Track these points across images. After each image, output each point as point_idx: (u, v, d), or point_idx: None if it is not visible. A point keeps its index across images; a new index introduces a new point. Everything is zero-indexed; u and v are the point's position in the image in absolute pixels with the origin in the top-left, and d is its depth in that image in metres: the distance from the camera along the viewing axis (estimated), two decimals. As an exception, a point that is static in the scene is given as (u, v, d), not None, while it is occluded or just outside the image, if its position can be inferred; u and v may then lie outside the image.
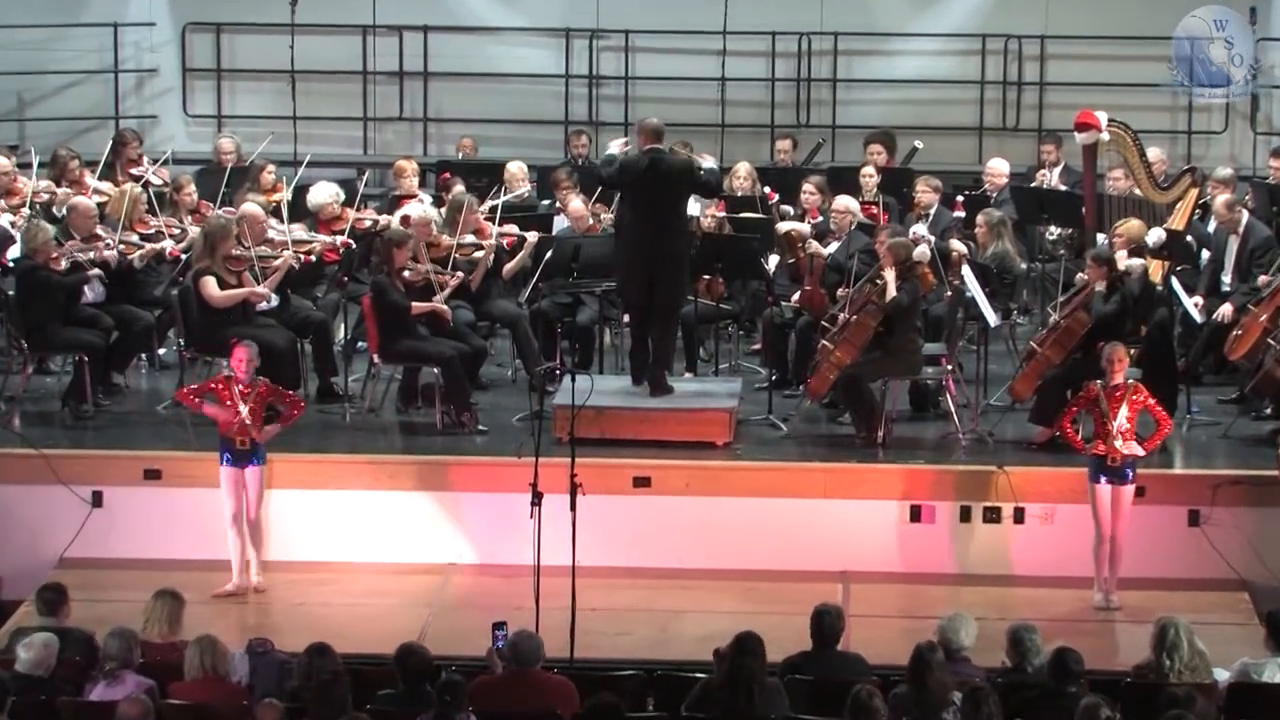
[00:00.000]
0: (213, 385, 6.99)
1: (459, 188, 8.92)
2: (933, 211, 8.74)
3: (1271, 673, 5.60)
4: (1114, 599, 6.80)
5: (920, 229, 8.34)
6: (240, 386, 6.86)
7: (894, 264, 7.45)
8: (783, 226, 8.53)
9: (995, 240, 8.33)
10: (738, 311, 8.66)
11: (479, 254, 8.18)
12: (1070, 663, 5.37)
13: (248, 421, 6.80)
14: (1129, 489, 6.76)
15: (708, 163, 7.80)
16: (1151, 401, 6.83)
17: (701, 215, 8.48)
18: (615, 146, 7.70)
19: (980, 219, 8.41)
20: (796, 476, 7.26)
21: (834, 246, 8.32)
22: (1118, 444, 6.68)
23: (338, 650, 5.45)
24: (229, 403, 6.83)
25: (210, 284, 7.64)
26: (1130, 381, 6.80)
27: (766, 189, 8.92)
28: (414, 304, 7.68)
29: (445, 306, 7.72)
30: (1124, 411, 6.70)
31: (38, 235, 7.75)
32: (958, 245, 8.26)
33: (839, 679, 5.43)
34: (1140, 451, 6.76)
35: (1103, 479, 6.73)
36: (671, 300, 7.59)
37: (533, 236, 8.37)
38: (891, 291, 7.37)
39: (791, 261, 8.41)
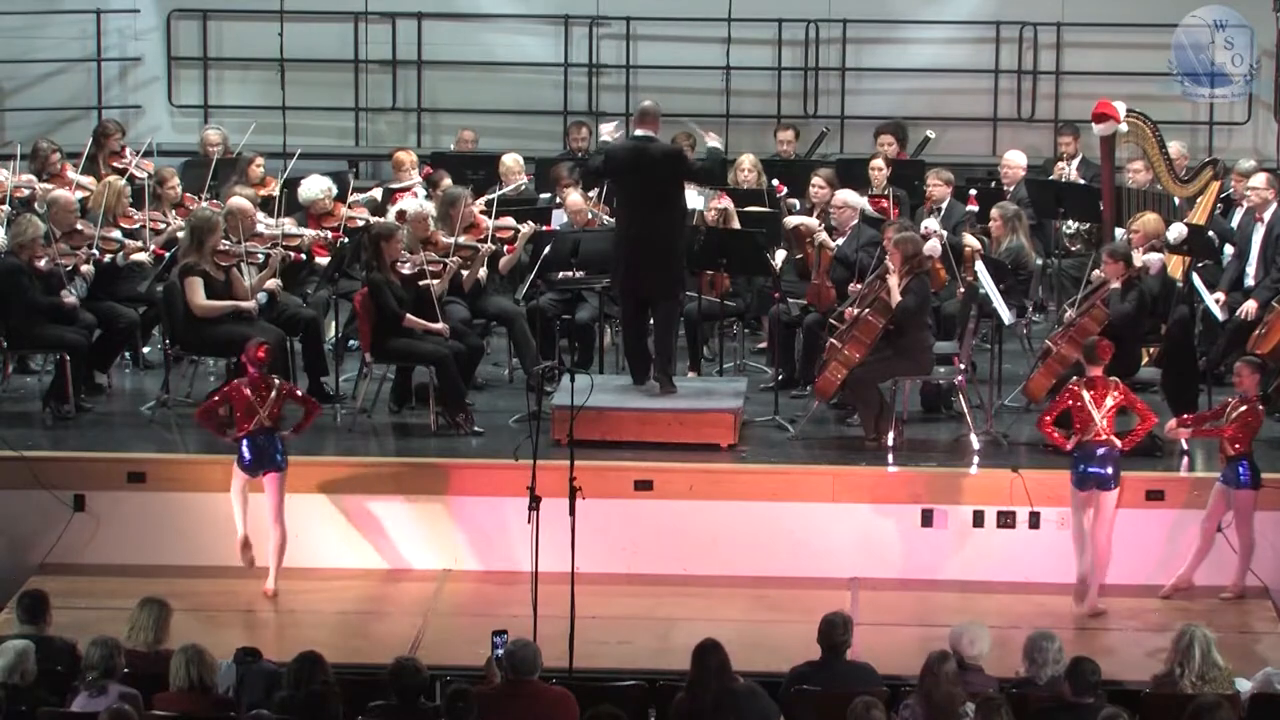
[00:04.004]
0: (225, 394, 6.79)
1: (446, 181, 8.74)
2: (944, 205, 8.56)
3: (1296, 682, 5.46)
4: (1100, 606, 6.69)
5: (932, 224, 8.15)
6: (251, 385, 6.68)
7: (901, 261, 7.24)
8: (790, 221, 8.33)
9: (1010, 234, 8.17)
10: (743, 309, 8.50)
11: (478, 254, 8.02)
12: (1087, 673, 5.29)
13: (265, 421, 6.69)
14: (1111, 495, 6.65)
15: (712, 141, 7.62)
16: (1134, 397, 6.72)
17: (705, 209, 8.27)
18: (607, 132, 7.61)
19: (995, 212, 8.32)
20: (803, 480, 7.17)
21: (839, 241, 8.19)
22: (1103, 426, 6.61)
23: (328, 659, 5.36)
24: (245, 402, 6.68)
25: (197, 289, 7.54)
26: (1111, 379, 6.65)
27: (774, 181, 8.71)
28: (410, 318, 7.56)
29: (443, 325, 7.54)
30: (1108, 403, 6.62)
31: (26, 230, 7.68)
32: (971, 240, 8.06)
33: (847, 690, 5.30)
34: (1120, 445, 6.59)
35: (1090, 484, 6.63)
36: (662, 292, 7.45)
37: (527, 228, 8.19)
38: (896, 296, 7.18)
39: (800, 257, 8.21)
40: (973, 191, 8.61)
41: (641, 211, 7.36)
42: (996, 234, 8.24)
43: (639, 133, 7.43)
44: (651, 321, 7.56)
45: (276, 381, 6.79)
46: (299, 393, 7.05)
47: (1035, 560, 6.97)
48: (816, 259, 8.04)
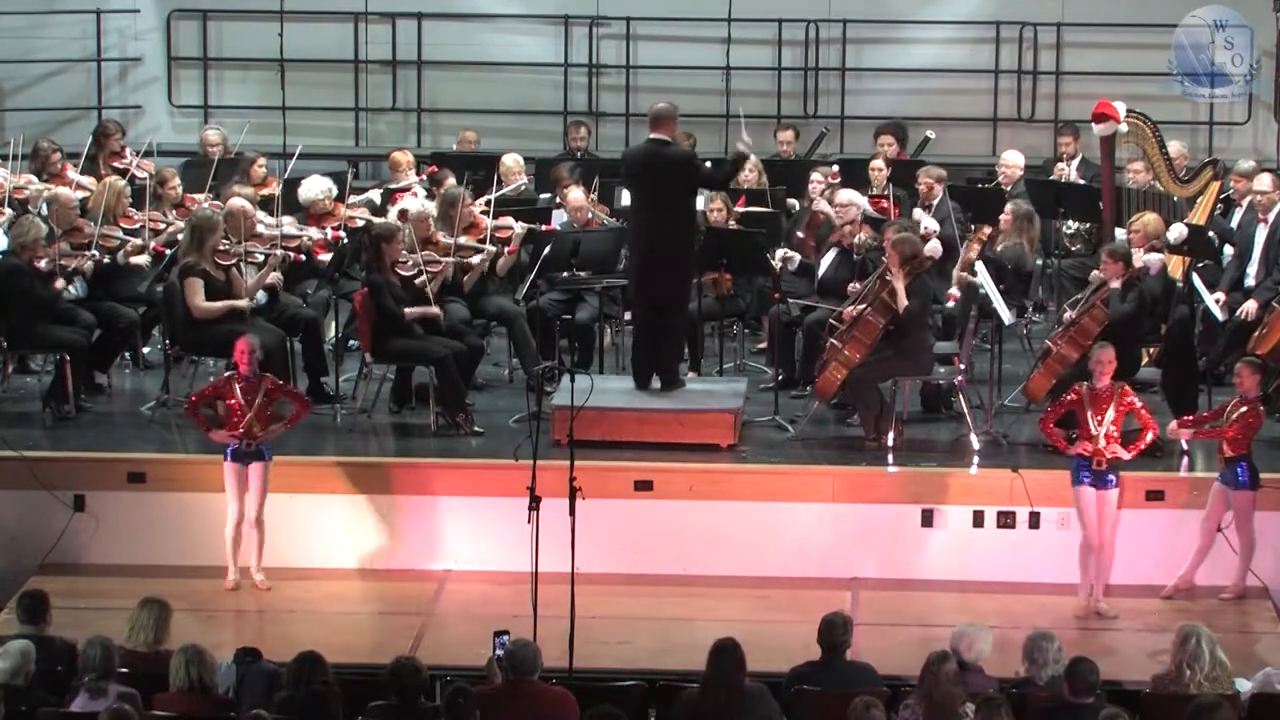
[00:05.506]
0: (218, 387, 6.87)
1: (450, 180, 8.74)
2: (936, 202, 8.54)
3: (1296, 682, 5.46)
4: (1103, 606, 6.69)
5: (932, 224, 8.17)
6: (242, 385, 6.72)
7: (900, 263, 7.25)
8: (820, 205, 8.38)
9: (1018, 234, 8.18)
10: (743, 309, 8.50)
11: (477, 258, 8.01)
12: (1086, 673, 5.29)
13: (255, 428, 6.73)
14: (1112, 493, 6.70)
15: (742, 146, 7.65)
16: (1138, 404, 6.75)
17: (706, 209, 8.29)
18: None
19: (1009, 208, 8.29)
20: (804, 480, 7.16)
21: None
22: (1101, 447, 6.60)
23: (328, 659, 5.37)
24: (233, 403, 6.73)
25: (195, 290, 7.55)
26: (1118, 384, 6.67)
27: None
28: (408, 310, 7.55)
29: (438, 310, 7.51)
30: (1110, 415, 6.62)
31: (29, 231, 7.69)
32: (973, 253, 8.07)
33: (847, 690, 5.31)
34: (1125, 455, 6.67)
35: (1085, 482, 6.64)
36: (669, 294, 7.46)
37: (520, 228, 8.18)
38: (902, 299, 7.17)
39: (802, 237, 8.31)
40: (1006, 213, 8.40)
41: (652, 217, 7.36)
42: (1004, 229, 8.24)
43: (653, 136, 7.41)
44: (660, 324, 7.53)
45: (265, 384, 6.79)
46: (290, 389, 7.07)
47: (1035, 560, 6.96)
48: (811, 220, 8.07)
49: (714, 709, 5.18)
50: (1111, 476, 6.65)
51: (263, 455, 6.80)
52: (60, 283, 7.68)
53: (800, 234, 8.40)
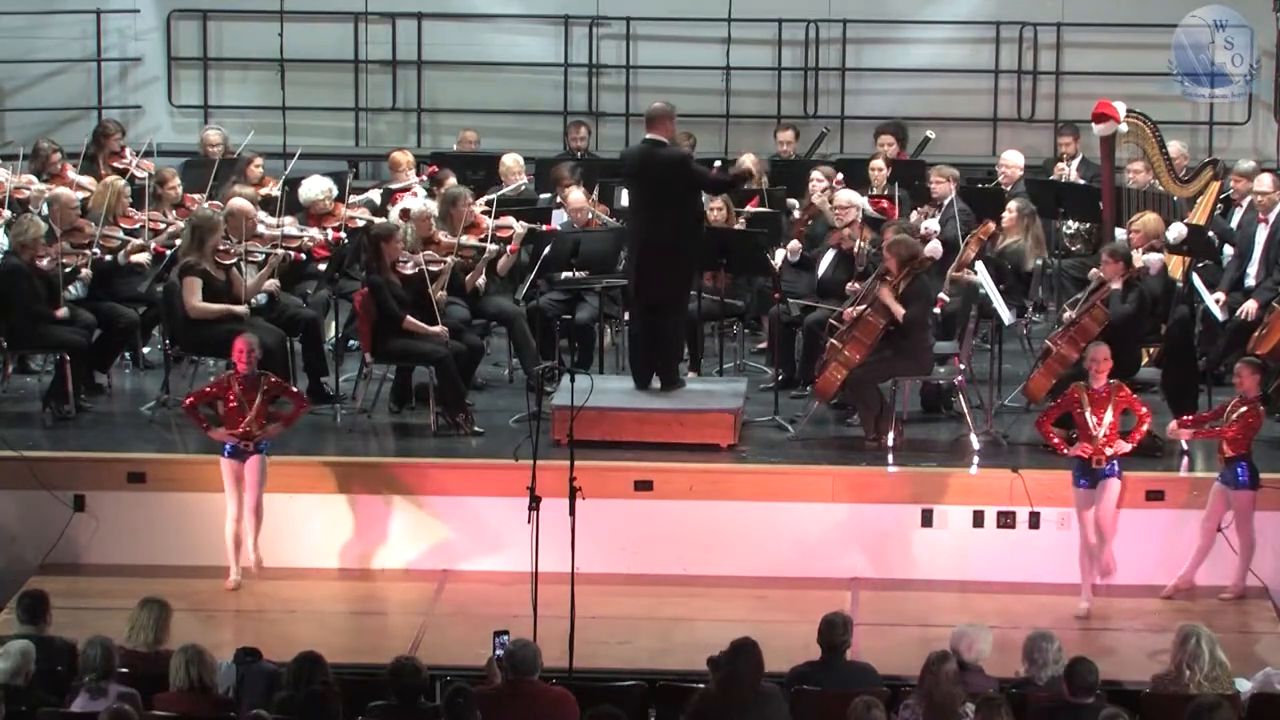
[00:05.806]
0: (216, 387, 6.87)
1: (450, 180, 8.75)
2: (946, 203, 8.54)
3: (1296, 682, 5.46)
4: (1088, 604, 6.70)
5: (932, 225, 8.17)
6: (240, 384, 6.70)
7: (898, 266, 7.25)
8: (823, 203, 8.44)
9: (1022, 233, 8.14)
10: (743, 309, 8.50)
11: (483, 256, 8.02)
12: (1084, 673, 5.29)
13: (253, 428, 6.74)
14: (1114, 481, 6.66)
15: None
16: (1132, 397, 6.75)
17: (706, 208, 8.30)
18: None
19: (1013, 205, 8.30)
20: (804, 480, 7.16)
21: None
22: (1101, 445, 6.61)
23: (328, 659, 5.38)
24: (233, 403, 6.72)
25: (194, 290, 7.54)
26: (1114, 383, 6.65)
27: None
28: (409, 320, 7.53)
29: (443, 329, 7.54)
30: (1109, 415, 6.62)
31: (29, 230, 7.70)
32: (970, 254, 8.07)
33: (847, 690, 5.31)
34: (1126, 447, 6.66)
35: (1084, 483, 6.65)
36: (667, 294, 7.46)
37: (520, 228, 8.18)
38: (897, 308, 7.18)
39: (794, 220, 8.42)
40: (1010, 212, 8.43)
41: (648, 217, 7.36)
42: (1007, 226, 8.24)
43: (649, 136, 7.41)
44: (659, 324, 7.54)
45: (264, 383, 6.81)
46: (291, 389, 7.09)
47: (1035, 560, 6.97)
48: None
49: (719, 708, 5.18)
50: (1114, 464, 6.64)
51: (260, 449, 6.82)
52: (63, 311, 7.65)
53: (795, 215, 8.41)
